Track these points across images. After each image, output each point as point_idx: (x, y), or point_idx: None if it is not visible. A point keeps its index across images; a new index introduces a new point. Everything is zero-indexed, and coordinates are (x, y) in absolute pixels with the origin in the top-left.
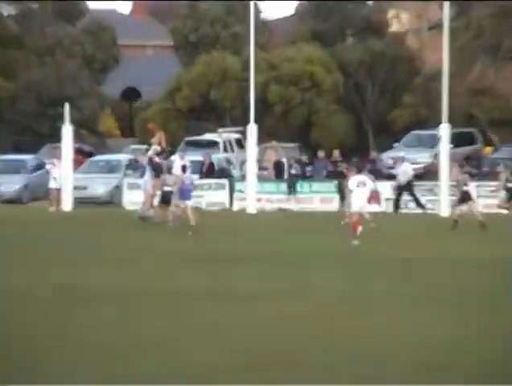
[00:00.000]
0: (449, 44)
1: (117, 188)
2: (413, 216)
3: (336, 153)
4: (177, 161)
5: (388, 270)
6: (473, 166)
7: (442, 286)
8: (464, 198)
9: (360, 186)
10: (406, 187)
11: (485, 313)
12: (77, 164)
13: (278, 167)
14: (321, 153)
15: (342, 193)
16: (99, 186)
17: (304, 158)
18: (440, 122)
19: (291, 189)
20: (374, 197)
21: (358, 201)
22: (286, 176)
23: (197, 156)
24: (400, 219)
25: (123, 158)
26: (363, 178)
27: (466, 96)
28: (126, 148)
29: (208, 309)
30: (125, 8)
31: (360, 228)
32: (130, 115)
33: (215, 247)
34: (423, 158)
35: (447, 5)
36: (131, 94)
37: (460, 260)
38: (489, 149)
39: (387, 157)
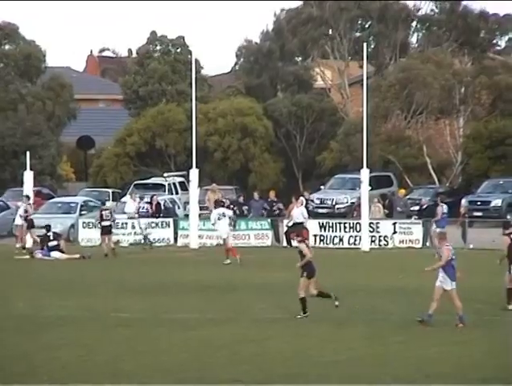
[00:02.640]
0: (368, 99)
1: (73, 227)
2: (337, 251)
3: (272, 194)
4: (130, 202)
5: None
6: (386, 206)
7: (362, 310)
8: None
9: (221, 217)
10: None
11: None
12: (38, 205)
13: (218, 207)
14: (257, 195)
15: (276, 229)
16: (57, 225)
17: (240, 199)
18: (361, 167)
19: (230, 226)
20: (304, 233)
21: (223, 229)
22: None
23: (145, 197)
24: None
25: (79, 199)
26: (223, 210)
27: (383, 143)
28: (81, 191)
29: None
30: (80, 65)
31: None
32: (84, 161)
33: (161, 278)
34: (346, 198)
35: (365, 64)
36: (86, 142)
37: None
38: (402, 190)
39: (315, 197)
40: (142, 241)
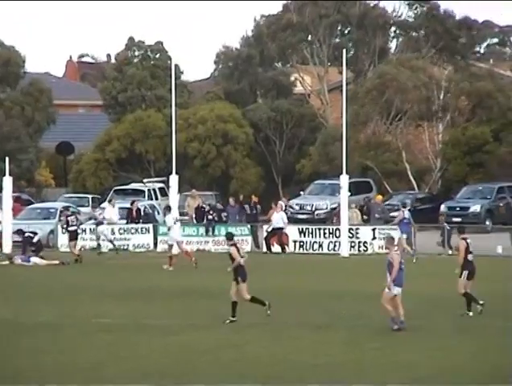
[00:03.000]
0: (347, 105)
1: (53, 232)
2: (316, 256)
3: (255, 198)
4: (109, 208)
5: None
6: (364, 212)
7: (341, 316)
8: None
9: (176, 222)
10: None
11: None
12: (16, 211)
13: (200, 212)
14: (232, 201)
15: (255, 235)
16: (36, 230)
17: (219, 205)
18: (340, 173)
19: (209, 232)
20: (284, 238)
21: (176, 235)
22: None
23: (125, 203)
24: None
25: (58, 205)
26: (176, 215)
27: (362, 149)
28: (61, 197)
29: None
30: (59, 71)
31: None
32: (64, 167)
33: (141, 283)
34: (325, 204)
35: (345, 70)
36: (65, 148)
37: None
38: (379, 196)
39: (294, 203)
40: (97, 247)
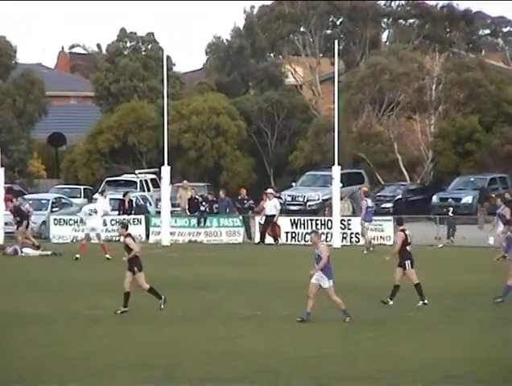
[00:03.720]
0: (339, 96)
1: (45, 223)
2: (308, 248)
3: (244, 191)
4: (101, 199)
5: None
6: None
7: (332, 307)
8: None
9: (92, 213)
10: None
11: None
12: (8, 202)
13: (194, 203)
14: (222, 193)
15: (247, 226)
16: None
17: (211, 197)
18: (332, 164)
19: (201, 223)
20: (276, 229)
21: (92, 224)
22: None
23: (117, 194)
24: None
25: (50, 196)
26: (94, 206)
27: (354, 140)
28: (52, 188)
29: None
30: (51, 62)
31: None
32: (55, 158)
33: None
34: (317, 195)
35: (337, 61)
36: (57, 139)
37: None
38: (364, 188)
39: (286, 194)
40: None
